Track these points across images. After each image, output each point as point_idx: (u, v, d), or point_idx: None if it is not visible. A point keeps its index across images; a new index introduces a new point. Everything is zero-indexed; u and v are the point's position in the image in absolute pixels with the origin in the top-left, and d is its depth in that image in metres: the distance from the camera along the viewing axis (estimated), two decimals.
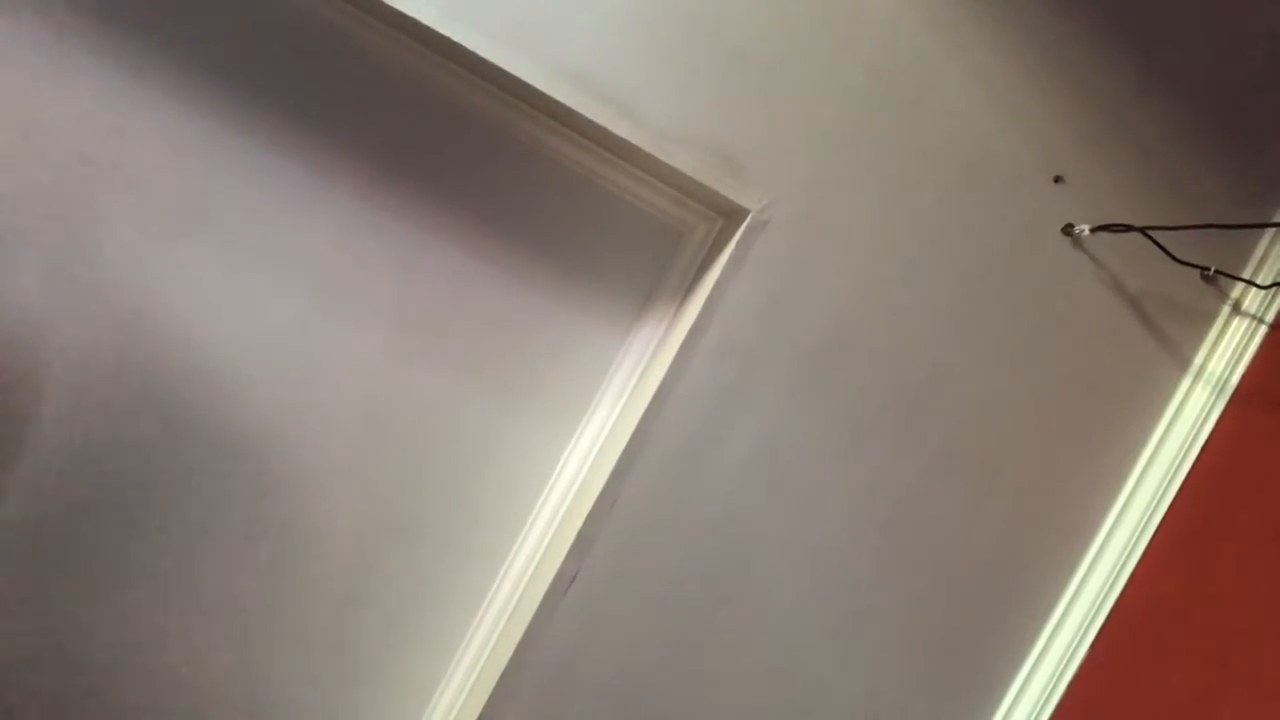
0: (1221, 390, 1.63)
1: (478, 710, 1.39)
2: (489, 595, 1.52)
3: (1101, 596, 1.60)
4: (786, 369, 1.46)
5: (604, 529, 1.41)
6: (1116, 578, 1.61)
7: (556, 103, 1.33)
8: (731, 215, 1.48)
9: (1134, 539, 1.61)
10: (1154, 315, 1.64)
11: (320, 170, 1.39)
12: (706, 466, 1.45)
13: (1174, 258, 1.57)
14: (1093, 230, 1.55)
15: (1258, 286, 1.64)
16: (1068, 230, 1.57)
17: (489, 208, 1.46)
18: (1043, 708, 1.59)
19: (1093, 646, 1.60)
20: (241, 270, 1.37)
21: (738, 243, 1.42)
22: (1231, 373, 1.64)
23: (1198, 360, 1.66)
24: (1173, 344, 1.65)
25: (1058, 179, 1.55)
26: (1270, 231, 1.67)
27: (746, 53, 1.39)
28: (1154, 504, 1.62)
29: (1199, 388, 1.65)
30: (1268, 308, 1.66)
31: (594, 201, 1.50)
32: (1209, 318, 1.67)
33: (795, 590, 1.51)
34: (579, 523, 1.40)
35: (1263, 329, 1.65)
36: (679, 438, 1.43)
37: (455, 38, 1.27)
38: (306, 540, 1.44)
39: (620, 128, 1.35)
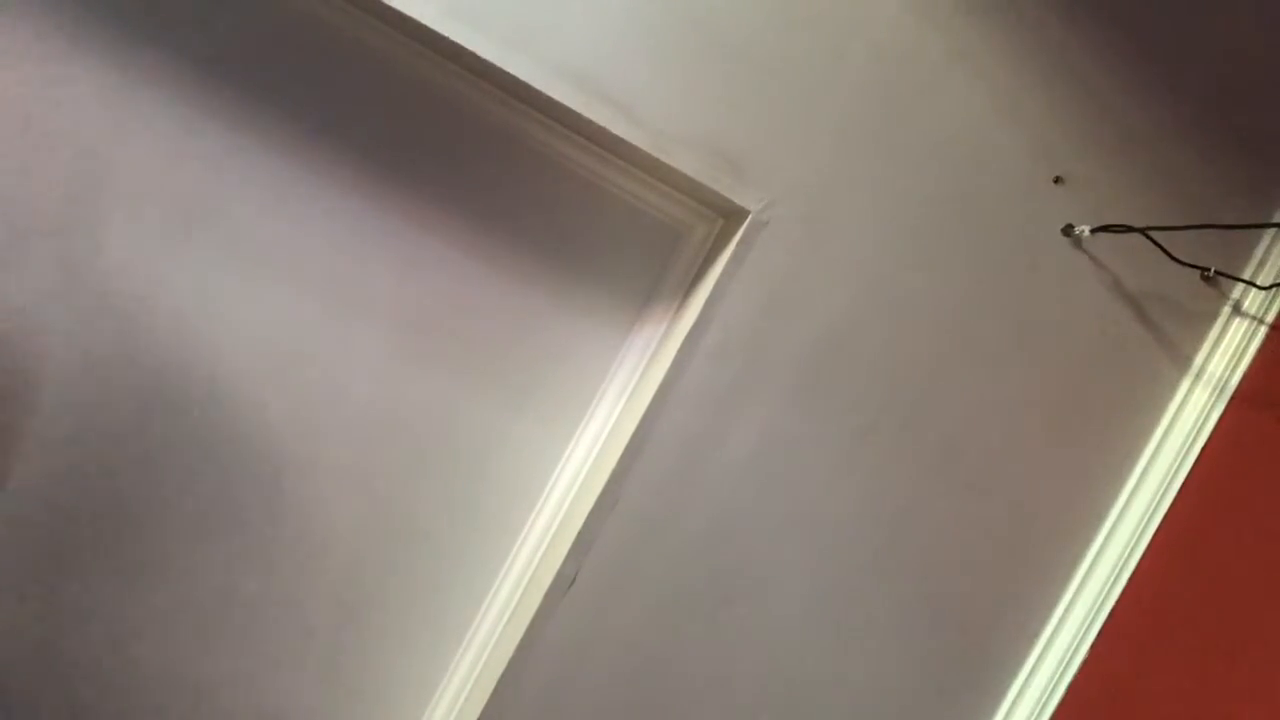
0: (1222, 391, 1.63)
1: (478, 710, 1.38)
2: (489, 595, 1.52)
3: (1102, 596, 1.60)
4: (787, 369, 1.46)
5: (604, 529, 1.41)
6: (1117, 578, 1.61)
7: (556, 103, 1.33)
8: (731, 215, 1.48)
9: (1135, 539, 1.61)
10: (1154, 316, 1.64)
11: (320, 170, 1.39)
12: (707, 466, 1.45)
13: (1174, 258, 1.57)
14: (1093, 231, 1.55)
15: (1258, 287, 1.64)
16: (1068, 231, 1.57)
17: (489, 208, 1.46)
18: (1043, 707, 1.59)
19: (1093, 646, 1.60)
20: (242, 270, 1.37)
21: (738, 243, 1.42)
22: (1232, 373, 1.63)
23: (1198, 361, 1.66)
24: (1173, 344, 1.65)
25: (1058, 179, 1.55)
26: (1270, 232, 1.67)
27: (747, 53, 1.39)
28: (1154, 504, 1.62)
29: (1199, 388, 1.65)
30: (1268, 308, 1.65)
31: (594, 201, 1.50)
32: (1209, 318, 1.67)
33: (795, 590, 1.51)
34: (579, 523, 1.40)
35: (1263, 329, 1.65)
36: (679, 438, 1.43)
37: (455, 38, 1.27)
38: (306, 540, 1.44)
39: (620, 128, 1.35)
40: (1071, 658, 1.60)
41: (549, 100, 1.34)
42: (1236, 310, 1.67)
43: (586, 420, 1.54)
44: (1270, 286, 1.64)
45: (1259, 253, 1.67)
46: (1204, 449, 1.62)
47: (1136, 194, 1.59)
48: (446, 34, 1.27)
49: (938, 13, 1.45)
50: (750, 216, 1.42)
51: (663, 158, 1.37)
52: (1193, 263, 1.59)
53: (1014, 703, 1.61)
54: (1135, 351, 1.64)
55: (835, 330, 1.48)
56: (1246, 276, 1.65)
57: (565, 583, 1.40)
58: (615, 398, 1.52)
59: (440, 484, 1.49)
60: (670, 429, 1.42)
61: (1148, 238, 1.54)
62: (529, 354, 1.50)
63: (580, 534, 1.39)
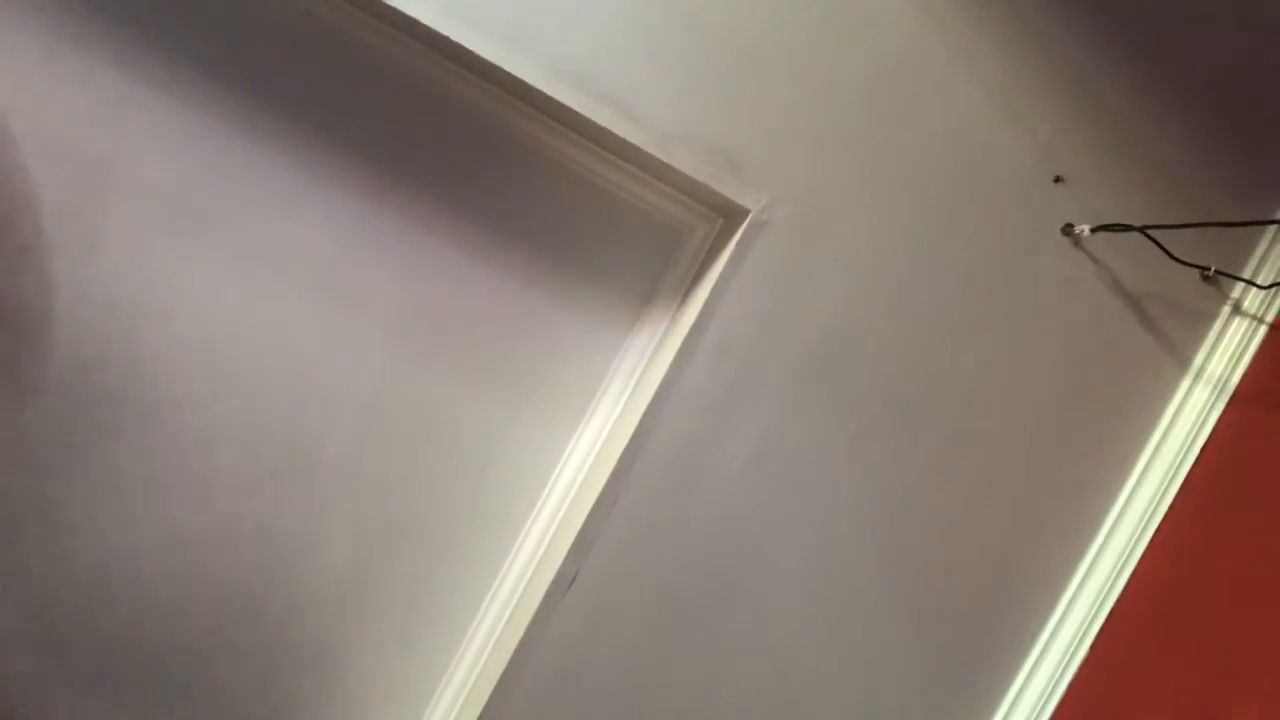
0: (1221, 390, 1.63)
1: (478, 710, 1.39)
2: (489, 595, 1.52)
3: (1102, 596, 1.60)
4: (786, 369, 1.46)
5: (604, 529, 1.41)
6: (1117, 577, 1.61)
7: (557, 103, 1.33)
8: (731, 215, 1.48)
9: (1134, 539, 1.61)
10: (1154, 315, 1.64)
11: (321, 170, 1.39)
12: (706, 466, 1.45)
13: (1174, 257, 1.57)
14: (1093, 230, 1.55)
15: (1258, 286, 1.64)
16: (1068, 230, 1.57)
17: (489, 208, 1.46)
18: (1043, 708, 1.59)
19: (1093, 646, 1.60)
20: (241, 270, 1.37)
21: (737, 243, 1.42)
22: (1231, 373, 1.64)
23: (1198, 360, 1.66)
24: (1173, 344, 1.65)
25: (1058, 179, 1.55)
26: (1270, 231, 1.67)
27: (747, 53, 1.39)
28: (1154, 504, 1.62)
29: (1199, 388, 1.65)
30: (1268, 307, 1.66)
31: (594, 201, 1.49)
32: (1209, 318, 1.67)
33: (795, 590, 1.51)
34: (579, 523, 1.40)
35: (1263, 329, 1.65)
36: (679, 438, 1.43)
37: (455, 37, 1.27)
38: (306, 540, 1.44)
39: (620, 128, 1.35)
40: (1071, 658, 1.60)
41: (549, 100, 1.34)
42: (1236, 309, 1.67)
43: (586, 420, 1.54)
44: (1270, 286, 1.64)
45: (1259, 252, 1.67)
46: (1204, 448, 1.62)
47: (1136, 193, 1.59)
48: (446, 33, 1.27)
49: (938, 13, 1.45)
50: (750, 216, 1.41)
51: (663, 157, 1.37)
52: (1193, 262, 1.59)
53: (1014, 703, 1.61)
54: (1135, 351, 1.64)
55: (835, 330, 1.48)
56: (1246, 276, 1.65)
57: (565, 582, 1.40)
58: (615, 397, 1.52)
59: (440, 484, 1.49)
60: (670, 429, 1.42)
61: (1147, 237, 1.54)
62: (529, 354, 1.50)
63: (580, 534, 1.39)
